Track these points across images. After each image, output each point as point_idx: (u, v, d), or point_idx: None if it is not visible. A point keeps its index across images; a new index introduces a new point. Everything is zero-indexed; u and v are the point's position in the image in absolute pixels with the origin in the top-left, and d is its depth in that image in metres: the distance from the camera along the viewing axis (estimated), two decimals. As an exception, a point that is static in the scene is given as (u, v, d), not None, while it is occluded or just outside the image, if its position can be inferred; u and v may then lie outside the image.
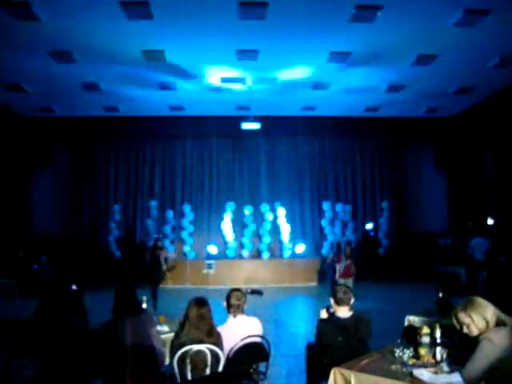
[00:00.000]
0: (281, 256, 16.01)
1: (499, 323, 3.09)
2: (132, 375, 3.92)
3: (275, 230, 16.39)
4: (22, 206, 15.60)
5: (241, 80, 12.42)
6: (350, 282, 11.07)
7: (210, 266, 14.97)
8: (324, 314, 4.37)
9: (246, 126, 13.60)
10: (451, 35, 9.66)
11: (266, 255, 15.83)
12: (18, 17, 8.47)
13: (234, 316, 4.29)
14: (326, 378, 3.57)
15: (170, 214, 16.19)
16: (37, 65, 10.99)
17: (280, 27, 9.42)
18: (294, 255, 15.84)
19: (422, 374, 3.23)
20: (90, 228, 16.64)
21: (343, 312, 4.20)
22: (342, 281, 10.97)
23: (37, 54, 10.36)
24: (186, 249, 16.00)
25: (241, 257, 15.92)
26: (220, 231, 16.38)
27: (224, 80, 12.46)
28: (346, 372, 3.47)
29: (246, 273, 14.84)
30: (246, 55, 10.70)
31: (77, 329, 4.62)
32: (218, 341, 3.86)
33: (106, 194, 16.77)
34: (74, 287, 5.53)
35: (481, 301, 3.25)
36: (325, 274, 13.97)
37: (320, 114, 15.63)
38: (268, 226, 16.20)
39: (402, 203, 17.25)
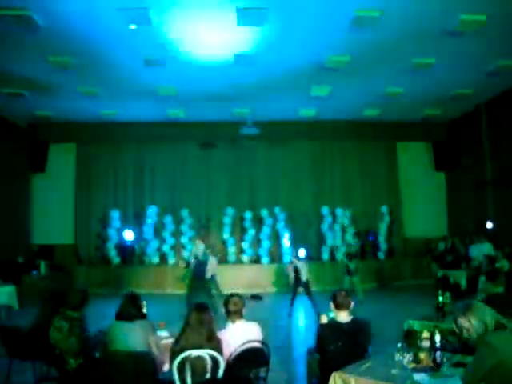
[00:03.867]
0: (280, 261, 15.99)
1: (499, 327, 3.09)
2: (130, 381, 3.92)
3: (275, 234, 16.40)
4: (19, 213, 15.56)
5: (241, 84, 12.43)
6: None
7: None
8: (324, 319, 4.37)
9: (245, 130, 13.64)
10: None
11: (265, 260, 15.82)
12: (19, 23, 8.50)
13: (234, 321, 4.30)
14: (326, 382, 3.57)
15: (168, 218, 16.17)
16: (36, 71, 11.05)
17: (278, 33, 9.49)
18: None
19: (422, 378, 3.23)
20: (88, 234, 16.66)
21: (343, 317, 4.20)
22: None
23: (37, 61, 10.42)
24: (185, 254, 15.95)
25: (240, 262, 15.90)
26: (219, 236, 16.38)
27: (225, 83, 12.47)
28: (345, 376, 3.47)
29: (245, 278, 14.83)
30: (244, 59, 10.74)
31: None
32: (217, 346, 3.85)
33: (104, 200, 16.80)
34: None
35: (480, 305, 3.25)
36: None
37: (319, 118, 15.67)
38: (267, 231, 16.19)
39: (401, 207, 17.29)
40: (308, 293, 10.46)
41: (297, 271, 10.55)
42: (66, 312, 4.52)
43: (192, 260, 11.12)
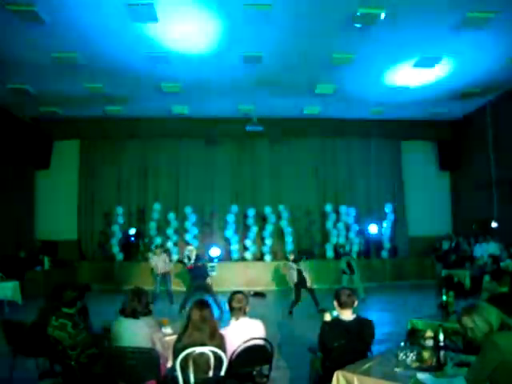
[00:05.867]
0: (284, 258, 15.96)
1: (504, 326, 3.07)
2: (132, 377, 3.91)
3: (278, 232, 16.38)
4: (23, 209, 15.59)
5: (245, 82, 12.43)
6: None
7: (212, 269, 14.93)
8: (327, 317, 4.36)
9: (250, 127, 13.63)
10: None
11: (268, 258, 15.80)
12: (24, 19, 8.51)
13: (237, 318, 4.29)
14: (329, 381, 3.56)
15: (171, 216, 16.16)
16: (40, 67, 11.06)
17: (282, 31, 9.47)
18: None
19: (426, 377, 3.22)
20: (92, 230, 16.71)
21: (346, 315, 4.18)
22: None
23: (41, 56, 10.43)
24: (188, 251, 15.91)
25: (244, 259, 15.90)
26: (223, 233, 16.38)
27: (228, 81, 12.47)
28: (348, 375, 3.45)
29: (248, 275, 14.83)
30: (251, 59, 10.74)
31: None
32: (220, 343, 3.84)
33: (108, 196, 16.85)
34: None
35: (484, 304, 3.23)
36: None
37: (324, 116, 15.63)
38: (271, 229, 16.18)
39: (405, 206, 17.26)
40: (311, 291, 10.43)
41: (300, 273, 10.45)
42: (61, 310, 4.51)
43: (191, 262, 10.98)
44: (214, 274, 14.59)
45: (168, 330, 4.90)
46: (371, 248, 16.50)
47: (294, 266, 10.55)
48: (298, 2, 8.39)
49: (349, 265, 12.15)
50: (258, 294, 13.27)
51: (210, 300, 10.02)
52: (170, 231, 16.04)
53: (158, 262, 11.71)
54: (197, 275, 10.64)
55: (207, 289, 10.47)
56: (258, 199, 16.83)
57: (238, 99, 13.91)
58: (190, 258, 10.83)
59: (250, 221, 16.30)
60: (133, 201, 16.89)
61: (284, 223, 16.27)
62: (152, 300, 4.97)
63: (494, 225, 14.05)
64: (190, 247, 11.58)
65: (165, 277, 11.70)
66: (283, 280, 14.82)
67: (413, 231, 17.09)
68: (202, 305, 3.95)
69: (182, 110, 14.91)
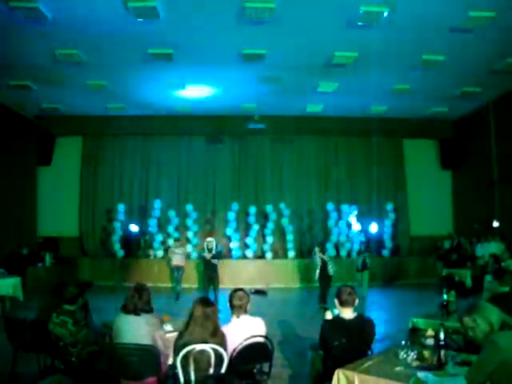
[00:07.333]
0: (285, 256, 15.99)
1: (505, 326, 3.07)
2: (133, 374, 3.92)
3: (279, 230, 16.37)
4: (25, 206, 15.59)
5: (246, 80, 12.41)
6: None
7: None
8: (328, 315, 4.36)
9: (252, 125, 13.62)
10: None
11: (269, 255, 15.79)
12: (27, 15, 8.49)
13: (238, 316, 4.28)
14: (330, 379, 3.56)
15: (172, 213, 16.16)
16: (43, 64, 11.05)
17: (285, 29, 9.44)
18: (297, 255, 15.82)
19: (426, 376, 3.22)
20: (93, 227, 16.72)
21: (347, 313, 4.18)
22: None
23: (44, 53, 10.42)
24: (189, 249, 15.90)
25: (245, 257, 15.89)
26: (224, 231, 16.37)
27: (229, 80, 12.46)
28: (349, 373, 3.45)
29: (249, 273, 14.83)
30: (252, 57, 10.72)
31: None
32: (222, 341, 3.82)
33: (110, 193, 16.86)
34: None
35: (485, 304, 3.23)
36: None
37: (325, 115, 15.61)
38: (272, 227, 16.17)
39: (407, 205, 17.23)
40: (328, 286, 10.49)
41: (324, 265, 10.53)
42: (62, 306, 4.51)
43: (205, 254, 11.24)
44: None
45: (168, 327, 4.89)
46: (372, 247, 16.47)
47: (321, 257, 10.62)
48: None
49: (363, 262, 12.34)
50: (259, 292, 13.27)
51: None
52: (170, 228, 16.05)
53: (174, 255, 12.09)
54: (207, 266, 11.07)
55: (214, 281, 10.92)
56: (260, 197, 16.83)
57: (239, 95, 13.86)
58: (210, 250, 11.10)
59: (252, 219, 16.29)
60: (134, 198, 16.91)
61: (285, 221, 16.26)
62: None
63: (495, 224, 14.02)
64: (209, 238, 11.69)
65: (178, 271, 12.06)
66: (284, 278, 14.84)
67: (414, 230, 17.07)
68: (206, 302, 3.93)
69: (184, 108, 14.89)
